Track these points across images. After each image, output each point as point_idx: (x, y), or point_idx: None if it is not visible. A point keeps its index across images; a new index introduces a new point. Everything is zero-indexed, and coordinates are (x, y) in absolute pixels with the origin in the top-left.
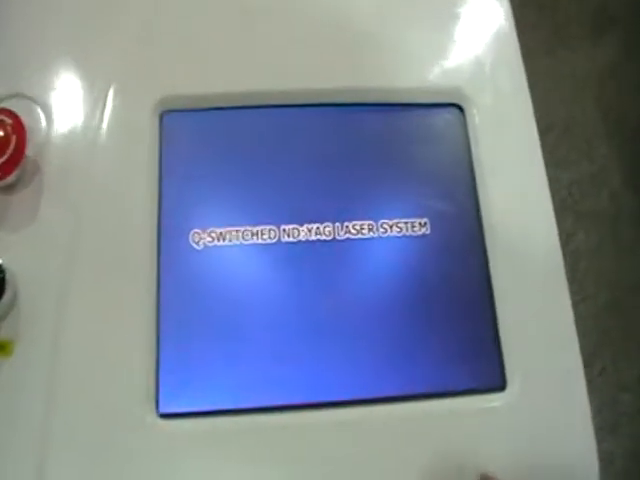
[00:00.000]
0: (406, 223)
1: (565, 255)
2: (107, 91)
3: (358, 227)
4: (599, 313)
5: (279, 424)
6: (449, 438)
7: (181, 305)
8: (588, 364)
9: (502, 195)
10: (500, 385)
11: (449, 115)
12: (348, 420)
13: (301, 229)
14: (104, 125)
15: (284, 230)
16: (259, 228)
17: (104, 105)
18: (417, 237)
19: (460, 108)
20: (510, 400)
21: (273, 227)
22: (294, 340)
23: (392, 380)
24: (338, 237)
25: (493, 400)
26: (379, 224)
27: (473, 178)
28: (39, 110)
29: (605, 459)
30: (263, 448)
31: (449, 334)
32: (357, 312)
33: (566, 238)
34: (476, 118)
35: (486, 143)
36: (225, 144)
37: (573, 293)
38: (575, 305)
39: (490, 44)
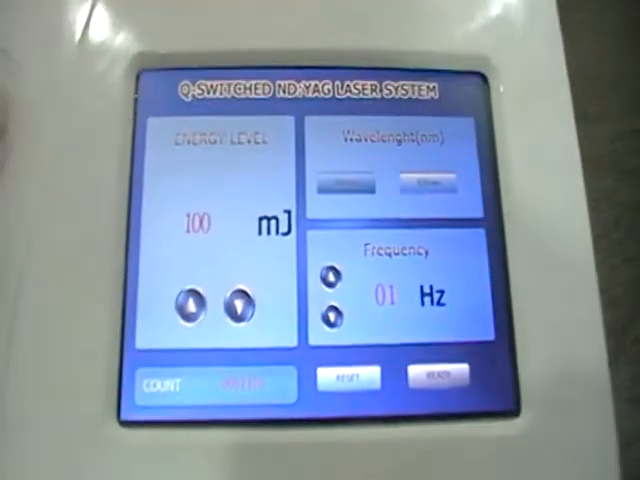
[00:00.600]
0: None
1: (606, 214)
2: (83, 47)
3: None
4: (639, 276)
5: (256, 441)
6: (448, 467)
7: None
8: (622, 333)
9: (527, 186)
10: (513, 410)
11: (471, 85)
12: (339, 440)
13: None
14: (76, 83)
15: None
16: None
17: (78, 61)
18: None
19: (484, 77)
20: (524, 428)
21: None
22: None
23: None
24: None
25: (504, 428)
26: None
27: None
28: (11, 65)
29: (632, 433)
30: (237, 466)
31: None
32: None
33: (607, 196)
34: (501, 88)
35: (511, 118)
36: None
37: (613, 255)
38: (614, 268)
39: (523, 3)
